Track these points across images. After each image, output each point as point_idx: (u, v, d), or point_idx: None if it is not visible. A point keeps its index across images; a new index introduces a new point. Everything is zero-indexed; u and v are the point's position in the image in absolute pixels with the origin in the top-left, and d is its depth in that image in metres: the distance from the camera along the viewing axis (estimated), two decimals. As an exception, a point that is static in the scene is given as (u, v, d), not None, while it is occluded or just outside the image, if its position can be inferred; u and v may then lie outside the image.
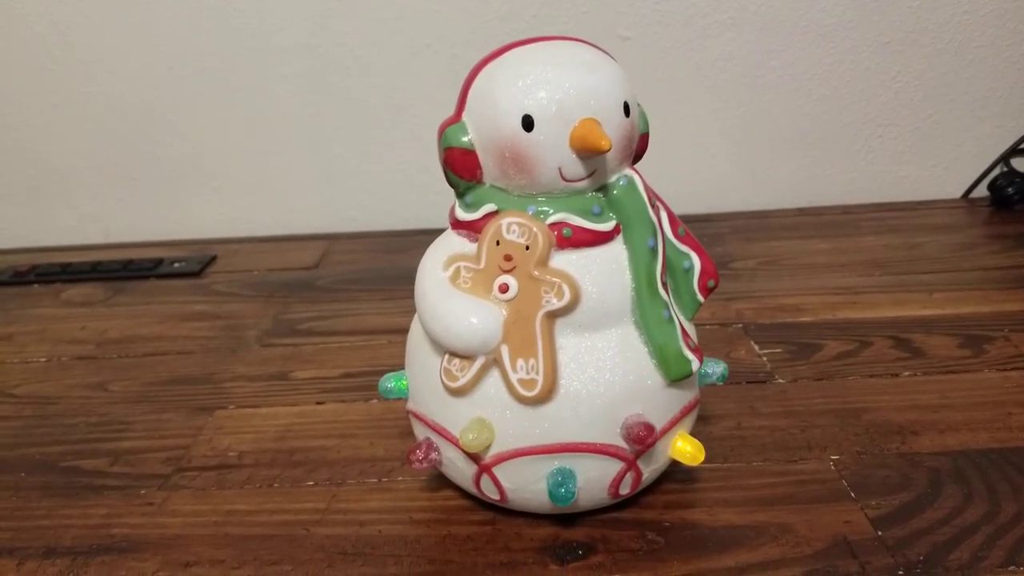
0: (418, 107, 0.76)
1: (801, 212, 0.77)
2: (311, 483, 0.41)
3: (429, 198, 0.78)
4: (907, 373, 0.48)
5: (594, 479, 0.34)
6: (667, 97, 0.75)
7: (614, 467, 0.34)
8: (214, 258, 0.74)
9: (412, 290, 0.35)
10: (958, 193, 0.80)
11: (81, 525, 0.39)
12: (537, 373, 0.32)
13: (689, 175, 0.78)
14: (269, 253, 0.75)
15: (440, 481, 0.40)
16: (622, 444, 0.33)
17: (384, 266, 0.70)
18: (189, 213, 0.80)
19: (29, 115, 0.77)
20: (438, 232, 0.36)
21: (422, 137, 0.77)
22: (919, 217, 0.74)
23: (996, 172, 0.78)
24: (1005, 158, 0.77)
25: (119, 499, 0.41)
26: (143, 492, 0.41)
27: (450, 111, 0.34)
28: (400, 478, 0.41)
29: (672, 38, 0.73)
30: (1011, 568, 0.33)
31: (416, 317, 0.36)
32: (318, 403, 0.48)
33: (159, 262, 0.72)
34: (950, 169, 0.79)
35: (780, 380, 0.48)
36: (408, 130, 0.77)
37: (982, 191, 0.78)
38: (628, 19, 0.73)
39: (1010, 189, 0.75)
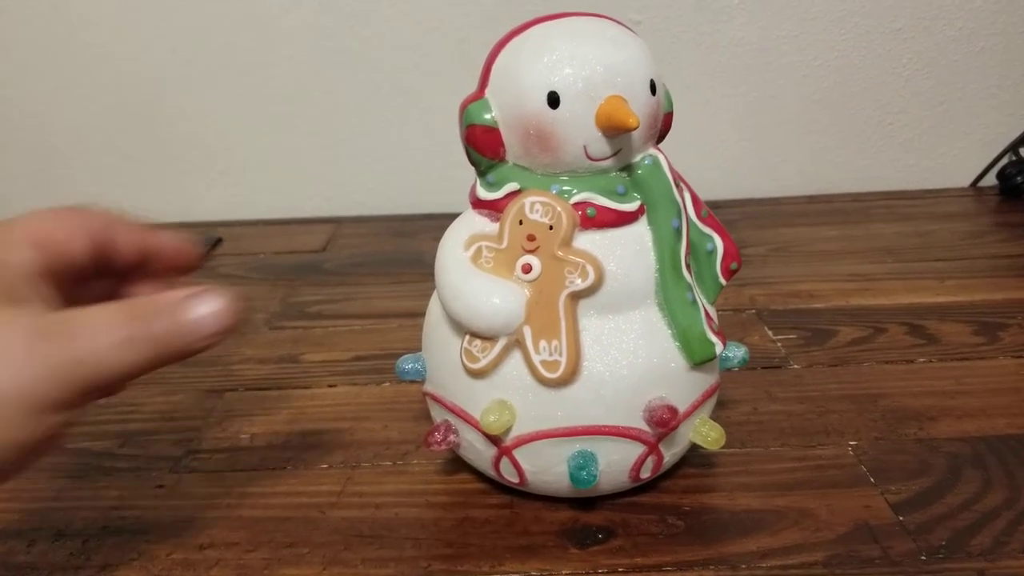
0: (426, 90, 0.75)
1: (811, 199, 0.77)
2: (325, 465, 0.40)
3: (436, 182, 0.78)
4: (922, 359, 0.48)
5: (615, 462, 0.33)
6: (677, 82, 0.73)
7: (636, 450, 0.33)
8: (219, 241, 0.73)
9: (421, 274, 0.34)
10: (967, 182, 0.79)
11: (91, 507, 0.38)
12: (560, 355, 0.31)
13: (699, 161, 0.77)
14: (275, 236, 0.74)
15: (455, 464, 0.39)
16: (644, 427, 0.33)
17: (391, 250, 0.69)
18: (194, 196, 0.80)
19: (30, 97, 0.76)
20: (446, 216, 0.36)
21: (429, 120, 0.76)
22: (929, 205, 0.74)
23: (1005, 161, 0.77)
24: (1014, 147, 0.77)
25: (130, 481, 0.40)
26: (154, 474, 0.41)
27: (459, 94, 0.33)
28: (415, 461, 0.40)
29: (683, 22, 0.73)
30: (1034, 554, 0.33)
31: (434, 298, 0.36)
32: (330, 386, 0.48)
33: (163, 245, 0.72)
34: (959, 157, 0.78)
35: (795, 366, 0.48)
36: (415, 113, 0.76)
37: (991, 180, 0.78)
38: (639, 2, 0.72)
39: (1019, 178, 0.74)
